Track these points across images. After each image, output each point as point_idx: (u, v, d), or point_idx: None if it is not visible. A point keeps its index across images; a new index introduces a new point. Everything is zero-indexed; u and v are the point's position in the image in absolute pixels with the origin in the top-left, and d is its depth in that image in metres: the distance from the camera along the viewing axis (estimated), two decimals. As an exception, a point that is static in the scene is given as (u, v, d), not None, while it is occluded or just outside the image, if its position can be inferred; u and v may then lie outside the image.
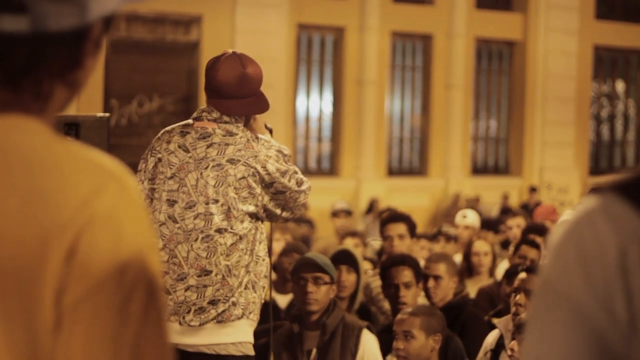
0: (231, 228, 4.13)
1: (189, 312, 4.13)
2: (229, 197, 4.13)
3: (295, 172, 4.26)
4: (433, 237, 8.14)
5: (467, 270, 7.34)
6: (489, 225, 9.63)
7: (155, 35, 15.93)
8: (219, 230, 4.12)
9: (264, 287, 4.26)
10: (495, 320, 5.29)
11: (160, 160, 4.23)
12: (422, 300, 5.78)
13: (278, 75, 16.24)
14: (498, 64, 19.71)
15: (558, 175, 19.65)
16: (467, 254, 7.42)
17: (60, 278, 1.19)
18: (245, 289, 4.16)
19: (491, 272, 7.36)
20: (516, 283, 4.94)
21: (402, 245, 6.47)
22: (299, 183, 4.26)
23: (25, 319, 1.20)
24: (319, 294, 4.96)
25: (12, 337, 1.20)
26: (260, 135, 4.27)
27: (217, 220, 4.12)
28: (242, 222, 4.15)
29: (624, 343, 1.15)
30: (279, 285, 6.81)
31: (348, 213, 12.64)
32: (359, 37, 17.51)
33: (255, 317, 4.21)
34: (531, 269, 4.91)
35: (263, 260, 4.24)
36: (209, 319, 4.12)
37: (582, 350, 1.17)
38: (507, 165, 19.85)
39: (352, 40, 17.53)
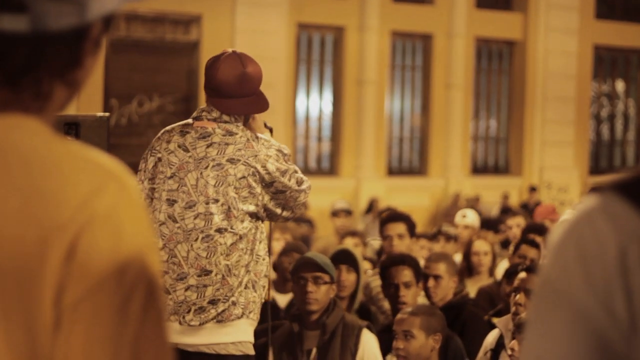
0: (231, 228, 4.13)
1: (189, 311, 4.13)
2: (229, 197, 4.13)
3: (295, 172, 4.26)
4: (433, 237, 8.14)
5: (467, 269, 7.34)
6: (489, 224, 9.63)
7: (155, 35, 15.93)
8: (219, 230, 4.12)
9: (264, 287, 4.26)
10: (495, 320, 5.29)
11: (160, 159, 4.23)
12: (422, 299, 5.78)
13: (278, 75, 16.24)
14: (498, 63, 19.71)
15: (558, 174, 19.65)
16: (467, 254, 7.42)
17: (60, 278, 1.19)
18: (245, 288, 4.16)
19: (491, 271, 7.36)
20: (516, 282, 4.94)
21: (402, 244, 6.47)
22: (299, 182, 4.26)
23: (25, 318, 1.20)
24: (319, 294, 4.96)
25: (12, 337, 1.20)
26: (260, 135, 4.27)
27: (217, 220, 4.12)
28: (242, 221, 4.15)
29: (624, 342, 1.15)
30: (278, 285, 6.81)
31: (348, 213, 12.64)
32: (359, 36, 17.51)
33: (255, 316, 4.21)
34: (531, 269, 4.91)
35: (263, 259, 4.24)
36: (209, 318, 4.12)
37: (582, 350, 1.16)
38: (507, 164, 19.86)
39: (352, 39, 17.53)
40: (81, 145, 1.28)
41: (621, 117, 21.52)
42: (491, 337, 5.03)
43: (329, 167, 17.88)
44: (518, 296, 4.85)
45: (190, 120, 4.29)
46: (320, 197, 13.95)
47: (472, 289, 6.83)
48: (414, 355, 4.73)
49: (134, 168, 3.41)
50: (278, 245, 7.79)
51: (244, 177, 4.15)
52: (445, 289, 5.81)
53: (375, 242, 8.48)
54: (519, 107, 19.61)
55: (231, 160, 4.16)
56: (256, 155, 4.17)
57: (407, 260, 5.59)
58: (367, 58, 17.51)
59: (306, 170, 15.65)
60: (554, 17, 19.44)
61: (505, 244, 9.19)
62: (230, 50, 4.33)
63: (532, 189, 18.36)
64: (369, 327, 5.03)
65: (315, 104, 17.84)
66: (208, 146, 4.19)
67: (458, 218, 9.24)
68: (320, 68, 17.78)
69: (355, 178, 17.47)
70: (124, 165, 1.28)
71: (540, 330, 1.20)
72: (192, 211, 4.14)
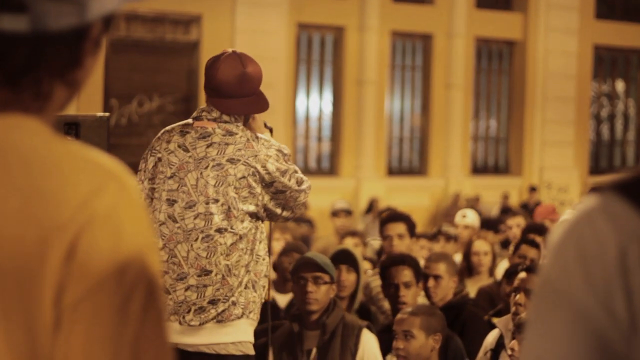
0: (231, 228, 4.13)
1: (189, 311, 4.13)
2: (229, 197, 4.13)
3: (295, 171, 4.26)
4: (433, 237, 8.14)
5: (467, 269, 7.34)
6: (489, 224, 9.63)
7: (155, 35, 15.93)
8: (219, 230, 4.12)
9: (264, 287, 4.26)
10: (495, 320, 5.29)
11: (160, 159, 4.23)
12: (422, 299, 5.78)
13: (278, 75, 16.24)
14: (498, 63, 19.71)
15: (558, 174, 19.65)
16: (467, 254, 7.42)
17: (60, 278, 1.19)
18: (245, 288, 4.16)
19: (491, 271, 7.36)
20: (516, 282, 4.94)
21: (402, 244, 6.47)
22: (299, 182, 4.26)
23: (24, 318, 1.20)
24: (319, 294, 4.96)
25: (12, 337, 1.20)
26: (260, 135, 4.27)
27: (217, 220, 4.12)
28: (242, 221, 4.15)
29: (624, 342, 1.15)
30: (278, 285, 6.81)
31: (348, 213, 12.65)
32: (359, 36, 17.51)
33: (255, 316, 4.21)
34: (531, 269, 4.91)
35: (263, 259, 4.24)
36: (209, 318, 4.12)
37: (582, 350, 1.16)
38: (507, 164, 19.86)
39: (352, 39, 17.53)
40: (81, 145, 1.28)
41: (621, 117, 21.52)
42: (491, 337, 5.03)
43: (329, 167, 17.88)
44: (518, 296, 4.85)
45: (190, 120, 4.29)
46: (320, 197, 13.96)
47: (472, 289, 6.84)
48: (414, 355, 4.73)
49: (134, 168, 3.41)
50: (278, 245, 7.79)
51: (244, 177, 4.15)
52: (445, 289, 5.81)
53: (375, 242, 8.48)
54: (519, 107, 19.61)
55: (231, 160, 4.16)
56: (256, 155, 4.17)
57: (407, 260, 5.59)
58: (367, 58, 17.51)
59: (306, 170, 15.65)
60: (554, 17, 19.44)
61: (505, 244, 9.19)
62: (230, 50, 4.33)
63: (532, 189, 18.36)
64: (369, 327, 5.03)
65: (315, 104, 17.84)
66: (208, 146, 4.19)
67: (458, 218, 9.24)
68: (320, 68, 17.78)
69: (355, 178, 17.47)
70: (124, 165, 1.28)
71: (540, 330, 1.20)
72: (192, 211, 4.14)
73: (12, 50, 1.25)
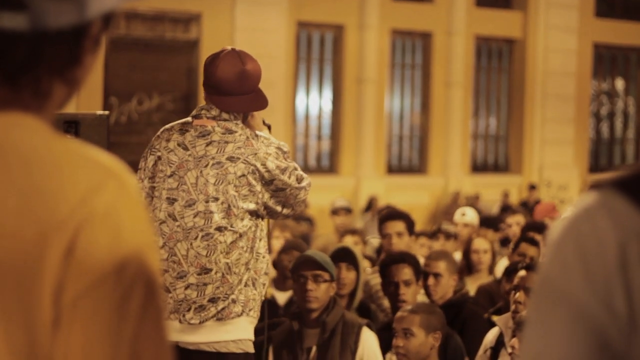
0: (231, 226, 4.13)
1: (189, 310, 4.13)
2: (229, 195, 4.13)
3: (295, 169, 4.26)
4: (432, 235, 8.14)
5: (467, 267, 7.34)
6: (489, 222, 9.63)
7: (155, 33, 15.93)
8: (219, 229, 4.12)
9: (264, 284, 4.26)
10: (495, 318, 5.29)
11: (159, 158, 4.23)
12: (422, 297, 5.79)
13: (278, 73, 16.24)
14: (498, 61, 19.71)
15: (558, 172, 19.65)
16: (467, 252, 7.43)
17: (59, 275, 1.19)
18: (245, 286, 4.16)
19: (491, 269, 7.37)
20: (516, 281, 4.94)
21: (401, 243, 6.47)
22: (299, 180, 4.26)
23: (24, 316, 1.20)
24: (319, 292, 4.96)
25: (11, 335, 1.20)
26: (259, 133, 4.27)
27: (217, 218, 4.12)
28: (242, 219, 4.15)
29: (623, 340, 1.15)
30: (278, 283, 6.81)
31: (348, 211, 12.65)
32: (359, 35, 17.50)
33: (255, 314, 4.21)
34: (531, 267, 4.91)
35: (263, 257, 4.24)
36: (209, 316, 4.12)
37: (581, 347, 1.16)
38: (506, 163, 19.86)
39: (352, 38, 17.53)
40: (81, 144, 1.28)
41: (621, 115, 21.52)
42: (491, 335, 5.03)
43: (328, 166, 17.88)
44: (518, 294, 4.85)
45: (189, 119, 4.29)
46: (320, 195, 13.96)
47: (471, 287, 6.84)
48: (414, 353, 4.73)
49: (134, 166, 3.41)
50: (278, 243, 7.79)
51: (243, 175, 4.15)
52: (445, 287, 5.81)
53: (375, 241, 8.48)
54: (518, 105, 19.61)
55: (231, 159, 4.16)
56: (256, 153, 4.17)
57: (407, 259, 5.59)
58: (366, 56, 17.50)
59: (306, 169, 15.65)
60: (553, 15, 19.44)
61: (504, 242, 9.20)
62: (229, 47, 4.33)
63: (532, 187, 18.36)
64: (368, 325, 5.03)
65: (315, 102, 17.84)
66: (207, 144, 4.19)
67: (457, 216, 9.25)
68: (320, 66, 17.77)
69: (355, 176, 17.47)
70: (124, 164, 1.28)
71: (539, 327, 1.20)
72: (192, 209, 4.14)
73: (11, 49, 1.25)
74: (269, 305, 4.65)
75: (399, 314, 4.87)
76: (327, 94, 17.84)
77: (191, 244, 4.13)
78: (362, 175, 17.48)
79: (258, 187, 4.17)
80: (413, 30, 18.35)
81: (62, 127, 3.97)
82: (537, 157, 19.66)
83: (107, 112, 4.25)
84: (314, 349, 4.93)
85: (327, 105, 17.88)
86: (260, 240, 4.22)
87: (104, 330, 1.19)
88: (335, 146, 17.79)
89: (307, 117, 17.81)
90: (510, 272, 5.54)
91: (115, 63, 15.30)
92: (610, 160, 21.29)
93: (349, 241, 7.60)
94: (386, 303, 5.87)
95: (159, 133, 4.31)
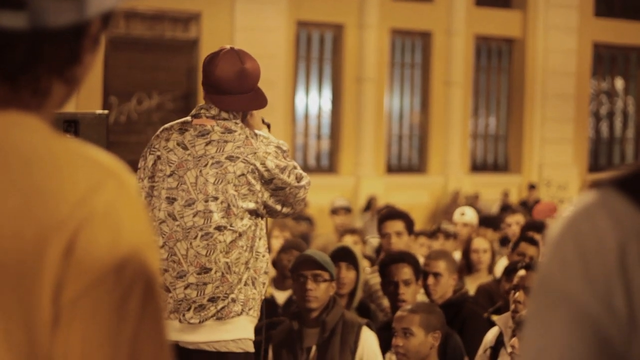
0: (230, 225, 4.13)
1: (189, 309, 4.13)
2: (228, 195, 4.13)
3: (295, 168, 4.26)
4: (432, 235, 8.14)
5: (466, 267, 7.34)
6: (488, 222, 9.63)
7: (154, 33, 15.93)
8: (219, 228, 4.12)
9: (264, 283, 4.26)
10: (494, 318, 5.29)
11: (159, 157, 4.23)
12: (421, 297, 5.78)
13: (277, 73, 16.24)
14: (497, 61, 19.71)
15: (557, 172, 19.65)
16: (466, 251, 7.43)
17: (58, 274, 1.19)
18: (244, 285, 4.16)
19: (490, 269, 7.37)
20: (515, 280, 4.94)
21: (400, 242, 6.47)
22: (299, 178, 4.26)
23: (23, 315, 1.20)
24: (319, 292, 4.96)
25: (11, 334, 1.20)
26: (258, 132, 4.27)
27: (217, 217, 4.12)
28: (241, 219, 4.14)
29: (623, 339, 1.15)
30: (278, 282, 6.81)
31: (347, 210, 12.65)
32: (358, 34, 17.50)
33: (255, 313, 4.20)
34: (530, 266, 4.91)
35: (263, 256, 4.24)
36: (209, 316, 4.12)
37: (581, 346, 1.16)
38: (506, 162, 19.85)
39: (352, 37, 17.52)
40: (80, 143, 1.28)
41: (620, 114, 21.52)
42: (491, 335, 5.03)
43: (328, 165, 17.88)
44: (517, 294, 4.85)
45: (189, 118, 4.29)
46: (320, 194, 13.96)
47: (471, 286, 6.84)
48: (413, 353, 4.73)
49: (133, 166, 3.41)
50: (277, 243, 7.79)
51: (243, 174, 4.15)
52: (445, 286, 5.81)
53: (375, 240, 8.48)
54: (518, 104, 19.61)
55: (230, 158, 4.15)
56: (255, 153, 4.17)
57: (407, 258, 5.59)
58: (366, 56, 17.50)
59: (305, 168, 15.61)
60: (553, 14, 19.44)
61: (504, 241, 9.20)
62: (228, 47, 4.33)
63: (532, 187, 18.36)
64: (368, 325, 5.03)
65: (315, 101, 17.84)
66: (207, 144, 4.19)
67: (456, 216, 9.24)
68: (320, 66, 17.77)
69: (355, 176, 17.47)
70: (123, 163, 1.28)
71: (539, 326, 1.20)
72: (192, 209, 4.14)
73: (10, 47, 1.25)
74: (268, 304, 4.65)
75: (398, 313, 4.87)
76: (327, 93, 17.84)
77: (191, 243, 4.13)
78: (362, 174, 17.47)
79: (257, 186, 4.17)
80: (413, 30, 18.35)
81: (61, 127, 3.96)
82: (536, 157, 19.66)
83: (106, 112, 4.24)
84: (314, 348, 4.93)
85: (327, 105, 17.87)
86: (259, 239, 4.22)
87: (103, 330, 1.19)
88: (334, 145, 17.79)
89: (306, 116, 17.81)
90: (509, 271, 5.54)
91: (115, 62, 15.31)
92: (610, 160, 21.29)
93: (348, 241, 7.60)
94: (386, 302, 5.87)
95: (158, 132, 4.31)
